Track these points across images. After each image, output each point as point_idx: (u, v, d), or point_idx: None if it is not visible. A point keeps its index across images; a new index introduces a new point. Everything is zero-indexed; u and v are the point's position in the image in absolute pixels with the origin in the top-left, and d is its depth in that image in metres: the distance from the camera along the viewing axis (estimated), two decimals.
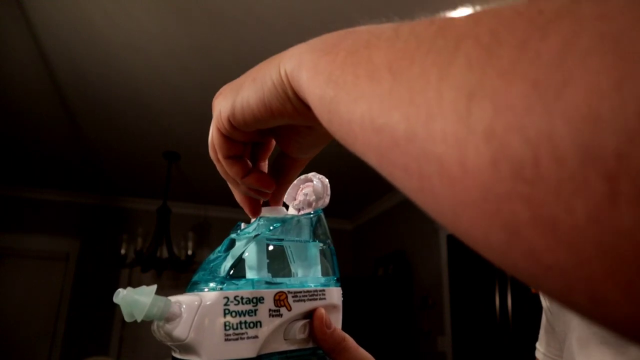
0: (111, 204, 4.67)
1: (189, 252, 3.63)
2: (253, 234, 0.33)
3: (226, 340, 0.29)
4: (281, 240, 0.34)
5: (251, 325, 0.30)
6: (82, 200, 4.57)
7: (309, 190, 0.37)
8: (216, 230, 4.86)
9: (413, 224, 4.09)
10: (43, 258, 4.31)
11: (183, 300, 0.29)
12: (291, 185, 0.37)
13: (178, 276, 4.61)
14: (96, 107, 2.90)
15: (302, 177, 0.38)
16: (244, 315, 0.30)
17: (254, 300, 0.30)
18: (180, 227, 4.33)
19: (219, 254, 0.33)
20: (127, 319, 0.29)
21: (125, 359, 4.28)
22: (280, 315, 0.31)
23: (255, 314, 0.30)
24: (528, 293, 1.47)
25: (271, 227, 0.33)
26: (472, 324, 1.76)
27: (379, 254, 4.58)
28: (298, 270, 0.34)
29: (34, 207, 4.38)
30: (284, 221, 0.34)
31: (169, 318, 0.28)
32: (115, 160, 3.77)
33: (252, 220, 0.35)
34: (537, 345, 0.50)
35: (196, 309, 0.29)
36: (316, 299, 0.33)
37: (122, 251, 3.49)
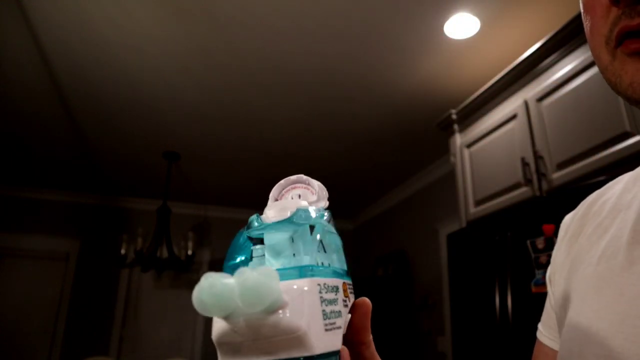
0: (111, 204, 4.68)
1: (189, 252, 3.63)
2: (305, 224, 0.29)
3: (326, 330, 0.26)
4: (327, 231, 0.30)
5: (336, 314, 0.27)
6: (82, 200, 4.58)
7: (301, 192, 0.34)
8: (216, 230, 4.86)
9: (413, 224, 4.10)
10: (43, 258, 4.31)
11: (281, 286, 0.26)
12: (275, 186, 0.34)
13: (178, 276, 4.62)
14: (96, 107, 2.90)
15: (293, 177, 0.35)
16: (332, 304, 0.27)
17: (335, 289, 0.28)
18: (180, 227, 4.33)
19: (247, 247, 0.29)
20: (220, 313, 0.23)
21: (125, 359, 4.28)
22: (347, 306, 0.29)
23: (337, 304, 0.28)
24: (528, 293, 1.47)
25: (321, 217, 0.30)
26: (472, 324, 1.76)
27: (379, 254, 4.58)
28: (333, 261, 0.31)
29: (34, 207, 4.38)
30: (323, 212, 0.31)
31: (280, 307, 0.24)
32: (115, 160, 3.77)
33: (273, 212, 0.30)
34: (539, 325, 0.53)
35: (301, 296, 0.25)
36: (353, 292, 0.32)
37: (122, 251, 3.48)
